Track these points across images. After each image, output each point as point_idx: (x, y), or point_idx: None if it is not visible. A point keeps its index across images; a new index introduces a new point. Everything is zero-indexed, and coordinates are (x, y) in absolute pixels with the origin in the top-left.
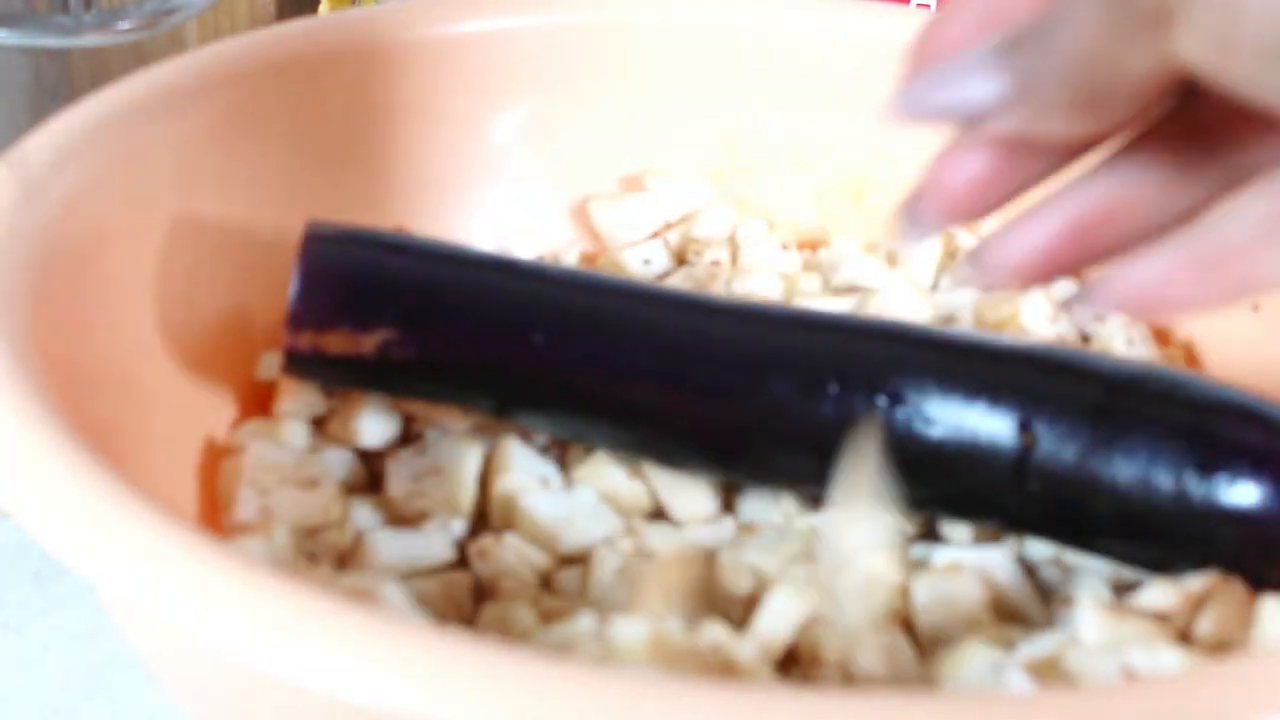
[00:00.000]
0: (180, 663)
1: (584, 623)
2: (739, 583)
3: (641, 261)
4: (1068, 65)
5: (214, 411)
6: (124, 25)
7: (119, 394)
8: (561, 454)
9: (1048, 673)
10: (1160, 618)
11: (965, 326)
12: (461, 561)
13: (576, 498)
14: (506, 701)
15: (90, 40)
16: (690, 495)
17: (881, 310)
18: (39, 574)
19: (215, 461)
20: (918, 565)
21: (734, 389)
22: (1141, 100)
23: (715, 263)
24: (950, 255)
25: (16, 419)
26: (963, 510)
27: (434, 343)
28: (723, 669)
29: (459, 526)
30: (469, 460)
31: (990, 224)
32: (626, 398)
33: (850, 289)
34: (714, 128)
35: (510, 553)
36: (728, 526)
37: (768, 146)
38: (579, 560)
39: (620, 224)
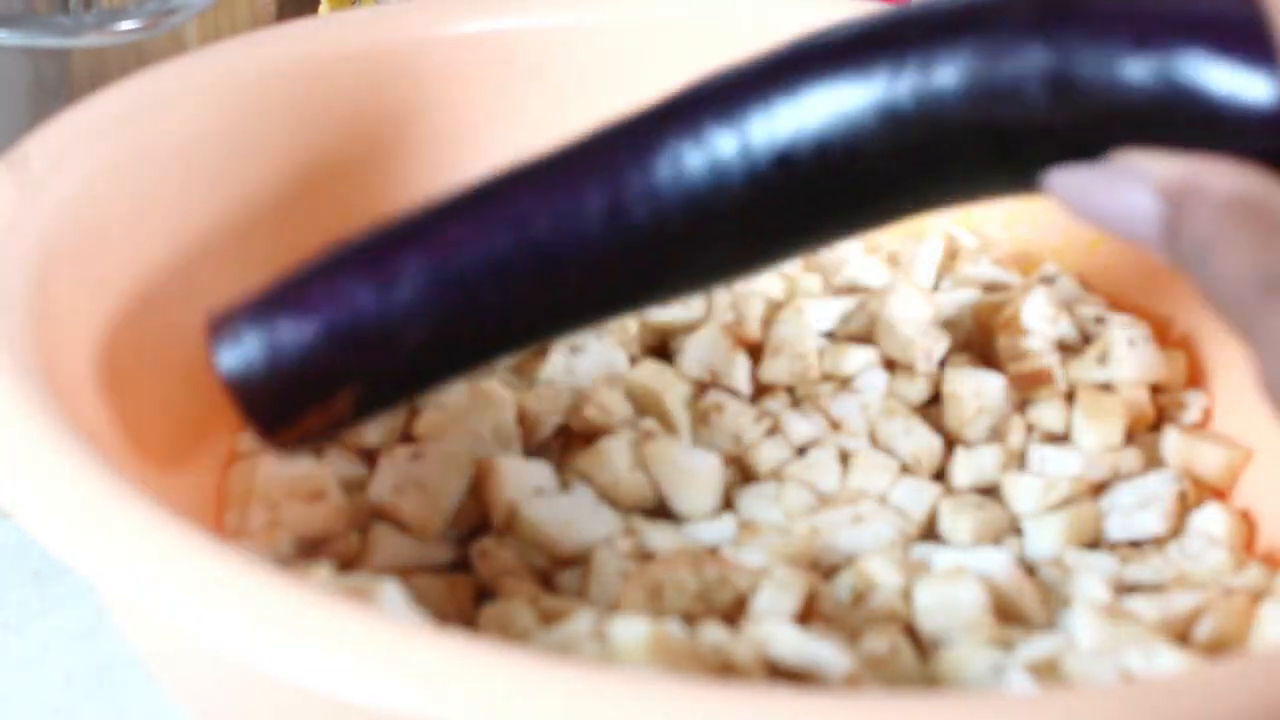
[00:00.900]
0: (180, 662)
1: (583, 623)
2: (738, 582)
3: None
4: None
5: (214, 412)
6: (124, 25)
7: (118, 394)
8: (562, 446)
9: (1047, 674)
10: (1159, 620)
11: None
12: (463, 562)
13: (575, 499)
14: (505, 702)
15: (90, 40)
16: (693, 487)
17: (884, 310)
18: (39, 574)
19: (217, 463)
20: (919, 567)
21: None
22: None
23: None
24: (951, 256)
25: (16, 419)
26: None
27: (394, 368)
28: (721, 669)
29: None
30: (453, 481)
31: (991, 224)
32: (569, 264)
33: (851, 289)
34: None
35: (511, 554)
36: (728, 525)
37: None
38: (579, 561)
39: None
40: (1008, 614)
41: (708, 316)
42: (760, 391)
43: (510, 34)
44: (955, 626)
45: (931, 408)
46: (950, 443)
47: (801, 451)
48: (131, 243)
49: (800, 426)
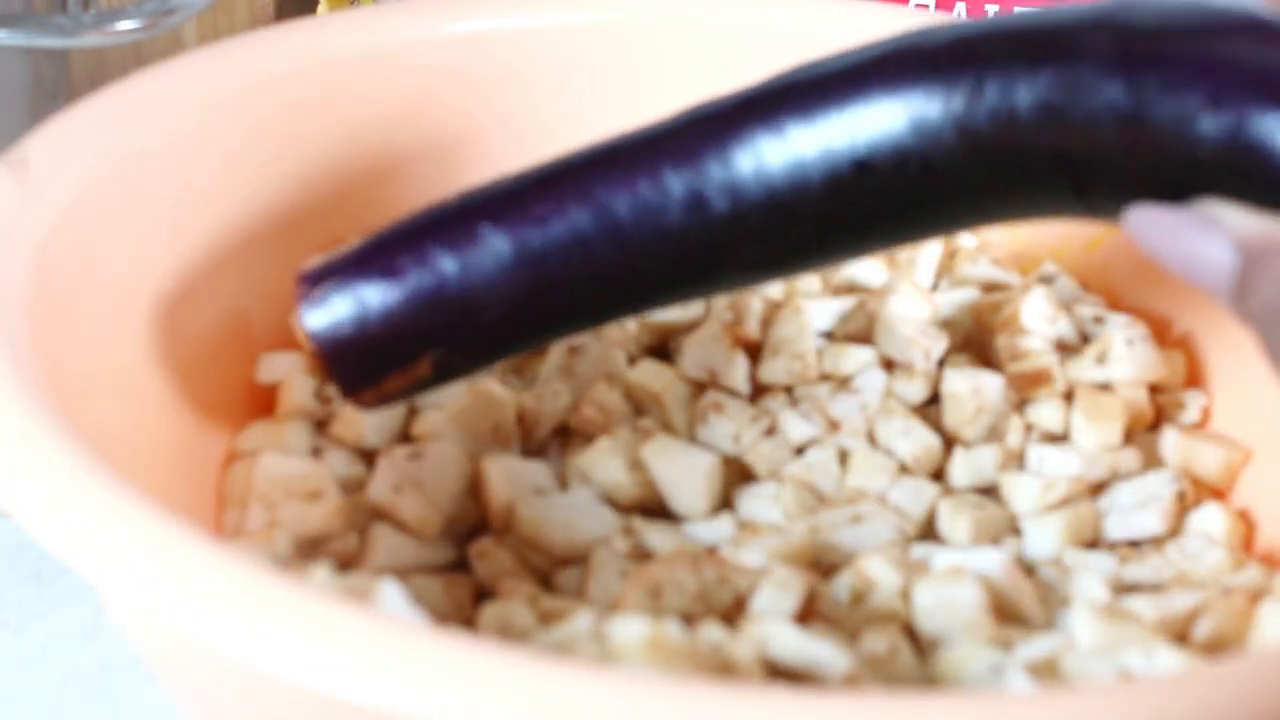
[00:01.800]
0: (179, 662)
1: (582, 622)
2: (737, 582)
3: None
4: None
5: (215, 412)
6: (123, 25)
7: (118, 395)
8: (561, 446)
9: (1046, 674)
10: (1158, 619)
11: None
12: (461, 563)
13: (574, 499)
14: (503, 702)
15: (89, 40)
16: (691, 486)
17: (883, 310)
18: (39, 574)
19: (217, 463)
20: (918, 567)
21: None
22: None
23: None
24: (950, 255)
25: (16, 419)
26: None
27: (477, 335)
28: (720, 669)
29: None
30: (451, 481)
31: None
32: (631, 267)
33: (851, 289)
34: None
35: (509, 554)
36: (727, 525)
37: None
38: (578, 561)
39: None
40: (1006, 614)
41: (706, 316)
42: (759, 391)
43: (512, 33)
44: (954, 626)
45: (930, 407)
46: (949, 442)
47: (800, 451)
48: (130, 243)
49: (799, 426)
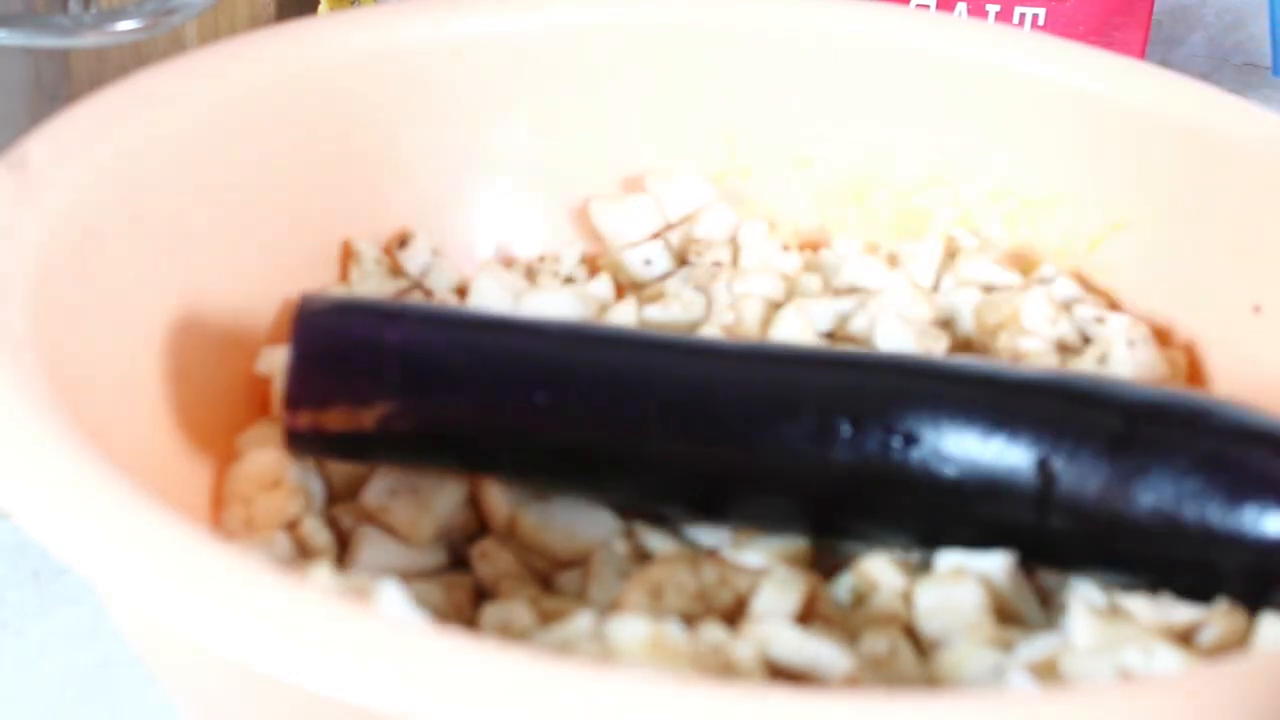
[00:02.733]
0: (179, 662)
1: (583, 623)
2: (737, 583)
3: (642, 262)
4: None
5: (217, 411)
6: (123, 25)
7: (119, 393)
8: None
9: (1046, 674)
10: (1157, 622)
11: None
12: (462, 563)
13: (574, 503)
14: (504, 701)
15: (89, 40)
16: None
17: (883, 311)
18: (39, 574)
19: (217, 461)
20: (920, 569)
21: (742, 437)
22: None
23: (716, 263)
24: (951, 256)
25: (16, 418)
26: (982, 545)
27: (435, 412)
28: (721, 669)
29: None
30: (446, 492)
31: (992, 225)
32: (632, 453)
33: (851, 289)
34: (714, 128)
35: (510, 556)
36: (726, 527)
37: (768, 146)
38: (579, 563)
39: (621, 224)
40: (1007, 615)
41: (707, 317)
42: None
43: (510, 34)
44: (955, 627)
45: None
46: None
47: None
48: (130, 243)
49: None
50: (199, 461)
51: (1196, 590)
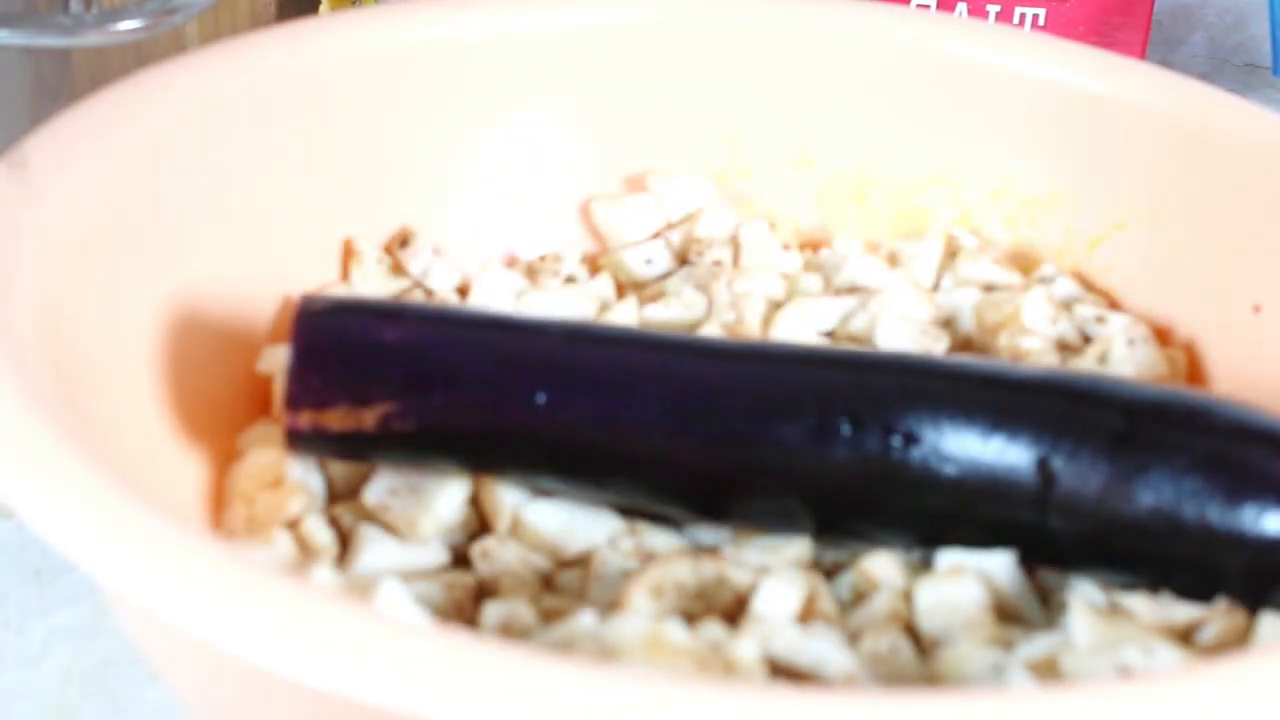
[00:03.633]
0: (181, 661)
1: (584, 621)
2: (738, 582)
3: (643, 261)
4: None
5: (219, 410)
6: (125, 25)
7: (121, 393)
8: None
9: (1046, 673)
10: (1157, 621)
11: (971, 351)
12: (464, 562)
13: (576, 502)
14: (505, 701)
15: (90, 40)
16: None
17: (884, 310)
18: (39, 573)
19: (218, 460)
20: (920, 568)
21: (744, 436)
22: None
23: (717, 263)
24: (951, 255)
25: (18, 416)
26: (982, 545)
27: (435, 412)
28: (721, 668)
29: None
30: (447, 491)
31: (992, 224)
32: (633, 452)
33: (852, 289)
34: (716, 128)
35: (512, 554)
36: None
37: (769, 146)
38: (581, 562)
39: (622, 224)
40: (1008, 616)
41: (708, 316)
42: None
43: (512, 35)
44: (955, 626)
45: None
46: None
47: None
48: (131, 243)
49: None
50: (200, 460)
51: (1196, 589)
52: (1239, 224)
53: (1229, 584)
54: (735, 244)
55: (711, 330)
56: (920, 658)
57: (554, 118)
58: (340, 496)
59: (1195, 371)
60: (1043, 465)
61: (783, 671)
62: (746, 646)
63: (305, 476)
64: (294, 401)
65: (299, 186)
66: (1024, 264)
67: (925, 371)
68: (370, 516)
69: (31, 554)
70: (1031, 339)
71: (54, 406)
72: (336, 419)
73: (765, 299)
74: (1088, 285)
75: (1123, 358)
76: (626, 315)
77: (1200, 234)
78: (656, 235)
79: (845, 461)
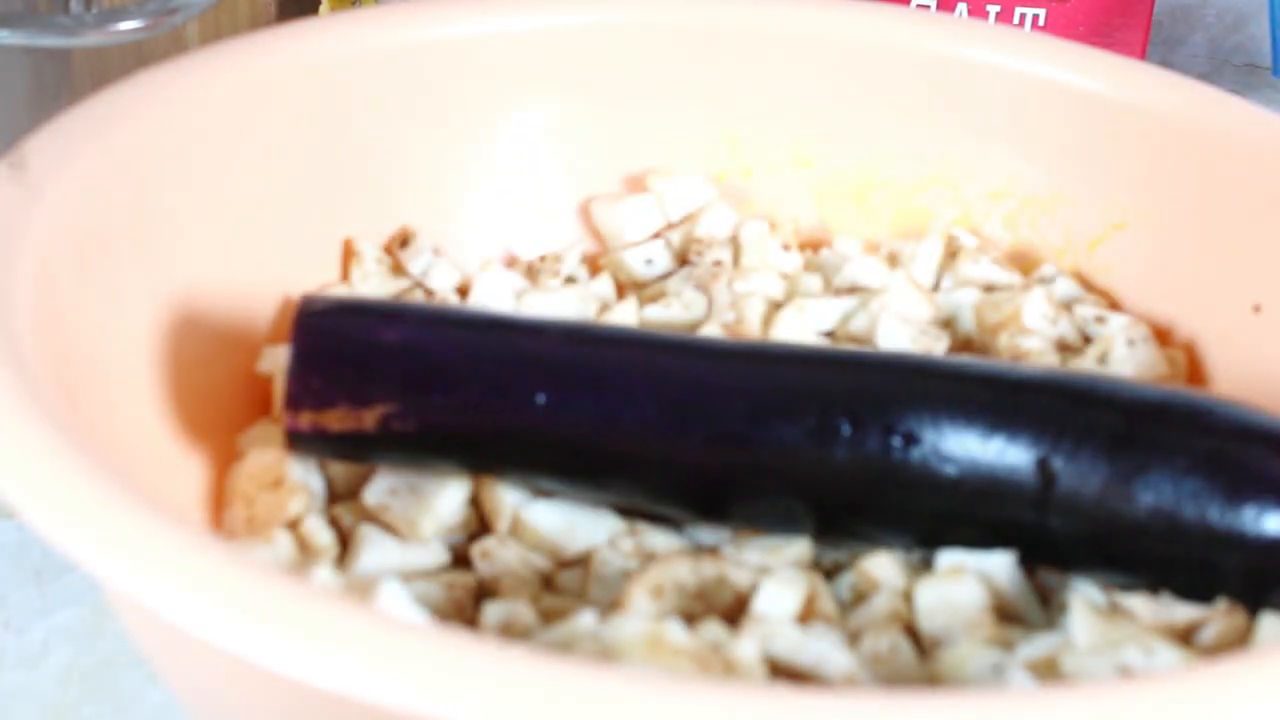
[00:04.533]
0: (178, 660)
1: (584, 621)
2: (738, 582)
3: (643, 261)
4: None
5: (218, 409)
6: (125, 25)
7: (121, 393)
8: None
9: (1046, 673)
10: (1157, 622)
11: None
12: (464, 562)
13: (576, 502)
14: (504, 699)
15: (91, 40)
16: None
17: (884, 310)
18: (39, 574)
19: (219, 460)
20: (920, 568)
21: (743, 436)
22: None
23: (717, 263)
24: (951, 255)
25: (18, 415)
26: (982, 545)
27: (435, 412)
28: (721, 668)
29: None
30: (447, 492)
31: (992, 224)
32: (632, 452)
33: (852, 289)
34: (716, 128)
35: (512, 554)
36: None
37: (769, 146)
38: (581, 562)
39: (623, 224)
40: (1008, 616)
41: (708, 317)
42: None
43: (512, 36)
44: (955, 626)
45: None
46: None
47: None
48: (132, 243)
49: None
50: (201, 460)
51: (1197, 589)
52: (1238, 224)
53: (1229, 584)
54: (735, 244)
55: (711, 330)
56: (920, 658)
57: (554, 118)
58: (340, 497)
59: (1195, 371)
60: (1043, 465)
61: (783, 671)
62: (747, 646)
63: (305, 477)
64: (294, 402)
65: (299, 187)
66: (1024, 264)
67: (925, 372)
68: (370, 517)
69: (31, 554)
70: (1031, 339)
71: (54, 406)
72: (336, 419)
73: (765, 299)
74: (1088, 285)
75: (1123, 358)
76: (626, 315)
77: (1200, 234)
78: (657, 235)
79: (845, 462)
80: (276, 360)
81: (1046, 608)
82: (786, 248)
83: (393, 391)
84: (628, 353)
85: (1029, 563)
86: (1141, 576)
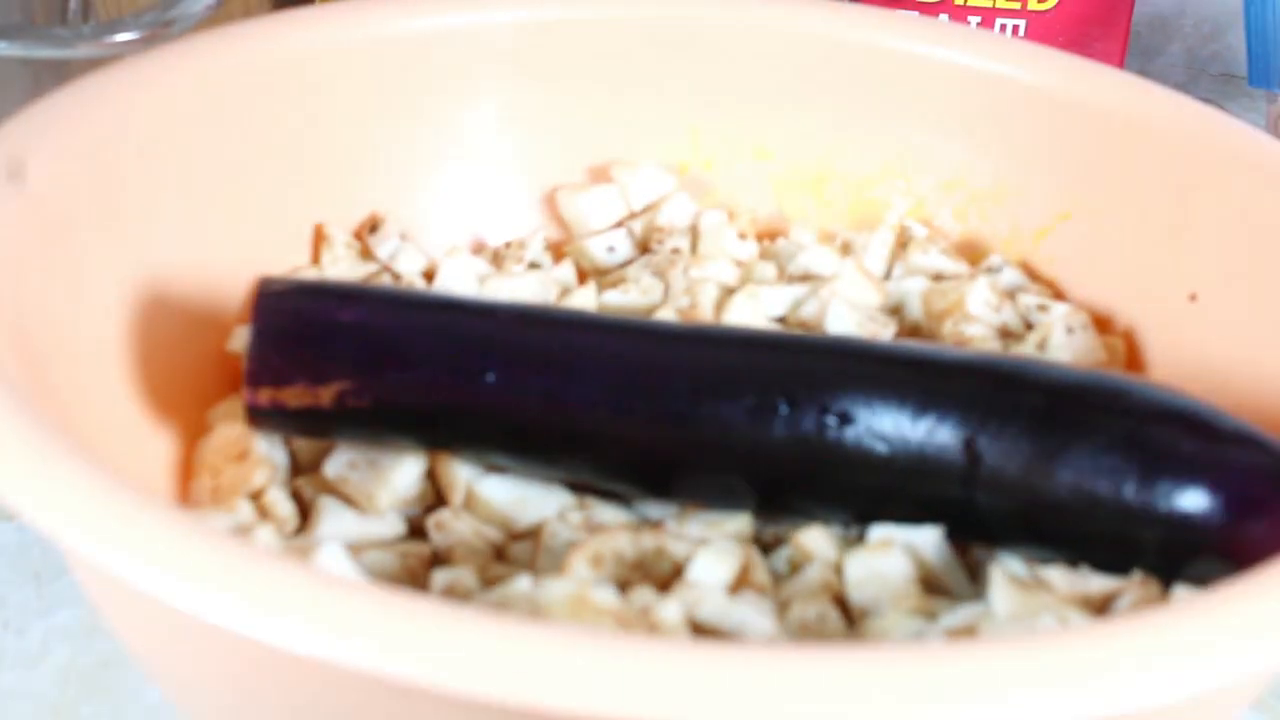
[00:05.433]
0: (136, 621)
1: (520, 584)
2: (676, 553)
3: (606, 249)
4: None
5: (190, 386)
6: (122, 37)
7: (93, 370)
8: None
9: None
10: (1074, 592)
11: (919, 337)
12: (421, 534)
13: (529, 477)
14: (402, 642)
15: (87, 52)
16: None
17: (833, 297)
18: (39, 574)
19: (189, 434)
20: (854, 542)
21: (685, 415)
22: None
23: (675, 250)
24: (902, 245)
25: None
26: (913, 520)
27: (389, 390)
28: (645, 629)
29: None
30: (403, 466)
31: (943, 215)
32: (579, 430)
33: (804, 277)
34: (679, 120)
35: (465, 525)
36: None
37: (730, 138)
38: (532, 535)
39: (586, 213)
40: (935, 587)
41: (664, 301)
42: None
43: (481, 29)
44: (883, 597)
45: None
46: None
47: None
48: (104, 227)
49: None
50: (171, 434)
51: (1115, 562)
52: (1174, 215)
53: (1145, 558)
54: (694, 233)
55: (666, 315)
56: (848, 627)
57: (521, 109)
58: (303, 470)
59: (1134, 358)
60: (969, 444)
61: (706, 634)
62: (671, 609)
63: (270, 450)
64: (254, 379)
65: (271, 173)
66: (973, 254)
67: (860, 355)
68: (330, 489)
69: (31, 555)
70: (974, 326)
71: (18, 382)
72: (294, 396)
73: (719, 285)
74: (1033, 275)
75: (1061, 344)
76: (586, 300)
77: (1139, 226)
78: (619, 224)
79: (783, 440)
80: (245, 339)
81: (976, 582)
82: (743, 236)
83: (348, 369)
84: (575, 334)
85: (959, 538)
86: (1063, 550)
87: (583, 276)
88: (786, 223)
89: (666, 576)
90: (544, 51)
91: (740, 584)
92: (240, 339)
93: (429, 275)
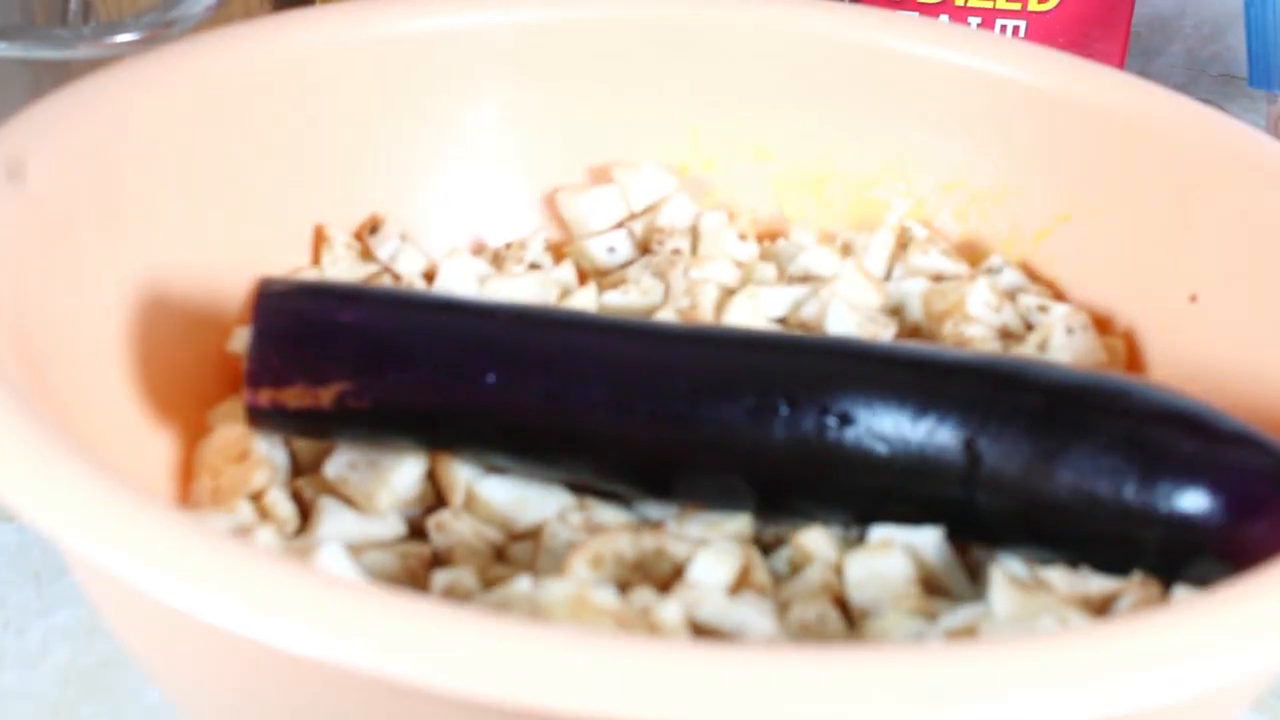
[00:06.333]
0: (157, 640)
1: (520, 585)
2: (676, 554)
3: (606, 250)
4: None
5: (190, 387)
6: (122, 38)
7: (94, 371)
8: None
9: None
10: (1074, 593)
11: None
12: (421, 534)
13: (529, 479)
14: (402, 643)
15: (88, 53)
16: None
17: (834, 297)
18: (39, 574)
19: (190, 435)
20: (854, 543)
21: (685, 415)
22: None
23: (676, 251)
24: (903, 246)
25: None
26: (913, 521)
27: (388, 391)
28: (645, 629)
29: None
30: (404, 467)
31: (943, 216)
32: (579, 431)
33: (804, 277)
34: (679, 121)
35: (466, 526)
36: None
37: (731, 139)
38: (532, 535)
39: (587, 213)
40: (935, 588)
41: (665, 302)
42: None
43: (483, 29)
44: (883, 598)
45: None
46: None
47: None
48: (104, 227)
49: None
50: (172, 435)
51: (1115, 563)
52: (1174, 216)
53: (1145, 558)
54: (695, 233)
55: (666, 315)
56: (848, 628)
57: (522, 110)
58: (303, 470)
59: (1134, 359)
60: (969, 445)
61: (707, 635)
62: (670, 609)
63: (270, 451)
64: (254, 379)
65: (273, 174)
66: (973, 255)
67: (860, 356)
68: (330, 489)
69: (31, 556)
70: (975, 326)
71: (18, 382)
72: (294, 397)
73: (719, 286)
74: (1033, 276)
75: (1061, 345)
76: (586, 301)
77: (1139, 226)
78: (620, 225)
79: (783, 440)
80: (245, 340)
81: (977, 583)
82: (743, 237)
83: (348, 370)
84: (576, 335)
85: (960, 538)
86: (1063, 551)
87: (583, 277)
88: (787, 223)
89: (667, 577)
90: (545, 52)
91: (740, 585)
92: (240, 340)
93: (429, 276)
